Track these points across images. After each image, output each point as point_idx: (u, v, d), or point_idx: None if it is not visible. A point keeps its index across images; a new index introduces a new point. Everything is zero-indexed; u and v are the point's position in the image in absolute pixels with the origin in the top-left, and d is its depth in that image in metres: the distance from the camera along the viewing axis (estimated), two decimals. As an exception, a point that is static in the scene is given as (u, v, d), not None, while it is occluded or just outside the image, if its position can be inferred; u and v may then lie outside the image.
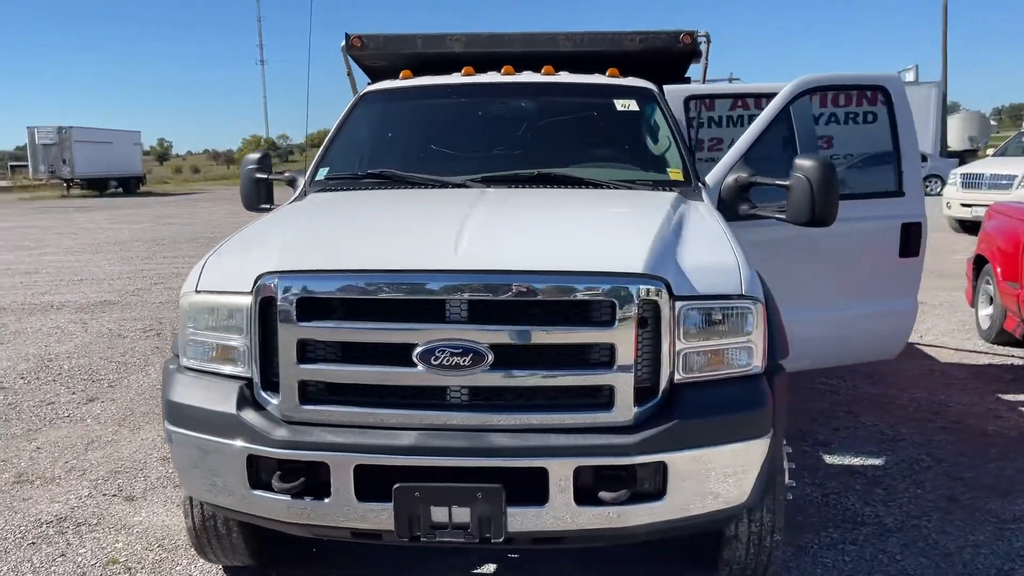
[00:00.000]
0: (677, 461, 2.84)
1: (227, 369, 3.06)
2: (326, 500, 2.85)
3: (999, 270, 7.63)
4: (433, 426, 2.85)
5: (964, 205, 16.19)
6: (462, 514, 2.80)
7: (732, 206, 4.29)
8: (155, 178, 68.73)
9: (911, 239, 4.77)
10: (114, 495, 4.64)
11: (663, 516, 2.87)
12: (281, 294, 2.86)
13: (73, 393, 6.72)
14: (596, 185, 4.07)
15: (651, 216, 3.37)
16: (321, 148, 4.65)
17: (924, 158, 31.57)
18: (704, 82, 6.85)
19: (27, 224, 26.30)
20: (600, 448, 2.79)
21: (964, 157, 32.47)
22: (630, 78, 5.02)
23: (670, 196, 3.87)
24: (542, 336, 2.81)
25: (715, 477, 2.90)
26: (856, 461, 5.00)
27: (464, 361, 2.78)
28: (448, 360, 2.78)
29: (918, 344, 7.98)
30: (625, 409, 2.84)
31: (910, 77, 34.96)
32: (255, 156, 4.67)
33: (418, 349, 2.79)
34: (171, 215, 28.98)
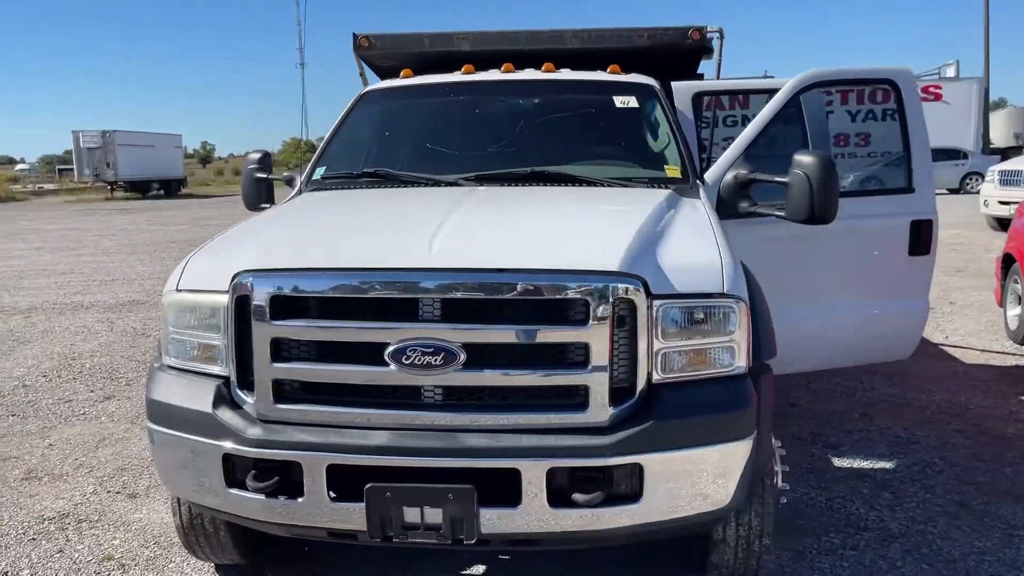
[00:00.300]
0: (654, 463, 2.78)
1: (206, 368, 3.07)
2: (299, 500, 2.84)
3: (1028, 269, 7.42)
4: (406, 426, 2.83)
5: (1002, 203, 15.79)
6: (434, 515, 2.77)
7: (732, 204, 4.22)
8: (197, 180, 69.90)
9: (921, 237, 4.63)
10: (118, 492, 4.69)
11: (640, 519, 2.82)
12: (255, 292, 2.85)
13: (91, 391, 6.82)
14: (590, 183, 4.01)
15: (636, 214, 3.31)
16: (320, 148, 4.66)
17: (965, 155, 31.01)
18: (719, 78, 6.76)
19: (70, 226, 26.86)
20: (573, 449, 2.74)
21: (1007, 154, 31.70)
22: (631, 74, 4.95)
23: (663, 194, 3.81)
24: (515, 335, 2.77)
25: (694, 479, 2.84)
26: (866, 464, 4.88)
27: (436, 360, 2.75)
28: (419, 359, 2.75)
29: (943, 345, 7.80)
30: (600, 409, 2.79)
31: (951, 73, 34.27)
32: (256, 156, 4.69)
33: (390, 348, 2.77)
34: (209, 217, 29.38)
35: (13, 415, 6.22)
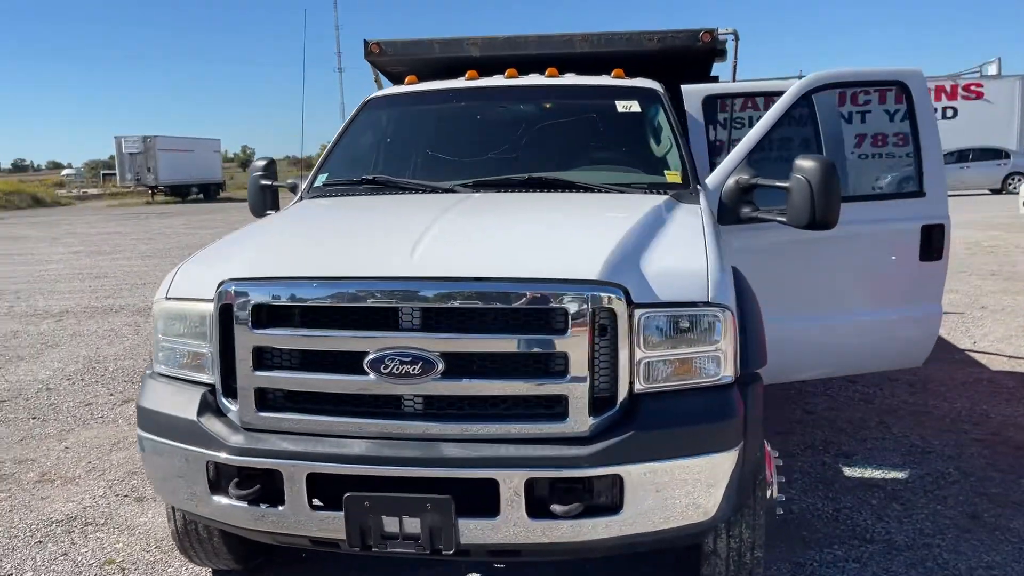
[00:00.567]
0: (634, 474, 2.74)
1: (195, 376, 3.09)
2: (280, 508, 2.85)
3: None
4: (385, 435, 2.82)
5: (1042, 204, 15.41)
6: (413, 524, 2.77)
7: (734, 209, 4.15)
8: (236, 184, 70.71)
9: (933, 242, 4.52)
10: (126, 496, 4.75)
11: (621, 531, 2.78)
12: (237, 301, 2.87)
13: (111, 394, 6.93)
14: (587, 189, 3.98)
15: (625, 221, 3.27)
16: (323, 155, 4.68)
17: (1007, 154, 30.32)
18: (735, 80, 6.68)
19: (110, 230, 27.40)
20: (551, 460, 2.71)
21: (1054, 154, 30.94)
22: (635, 79, 4.90)
23: (659, 200, 3.76)
24: (493, 344, 2.76)
25: (677, 491, 2.79)
26: (877, 474, 4.77)
27: (414, 369, 2.74)
28: (398, 368, 2.74)
29: (970, 351, 7.62)
30: (580, 420, 2.76)
31: (992, 70, 33.56)
32: (261, 163, 4.74)
33: (369, 357, 2.76)
34: (244, 220, 29.27)
35: (34, 418, 6.34)
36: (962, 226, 18.97)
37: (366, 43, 5.94)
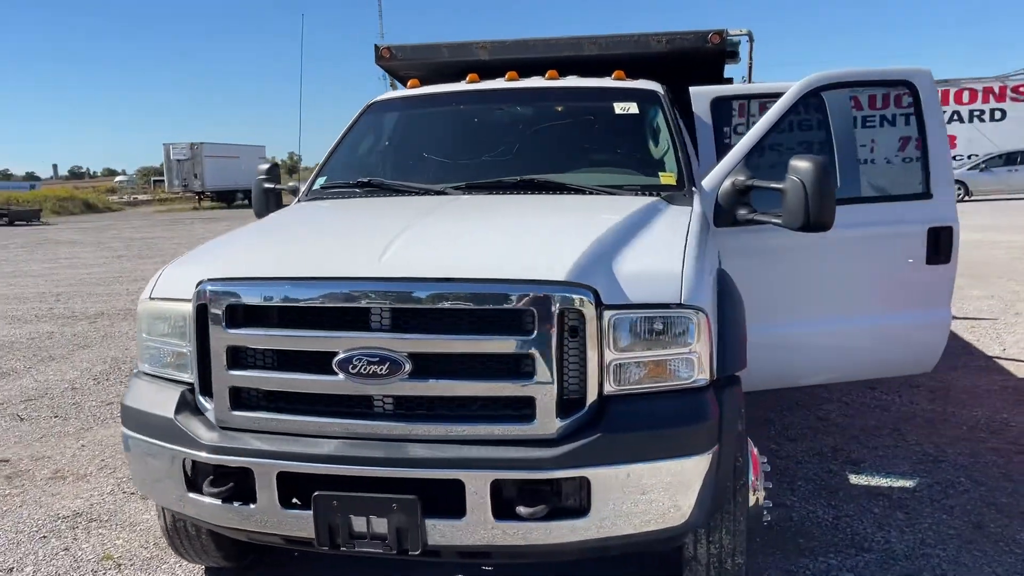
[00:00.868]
0: (601, 477, 2.72)
1: (177, 375, 3.14)
2: (252, 506, 2.88)
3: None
4: (355, 435, 2.84)
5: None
6: (380, 524, 2.78)
7: (730, 211, 4.10)
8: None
9: (940, 245, 4.42)
10: (132, 493, 4.84)
11: (588, 534, 2.75)
12: (212, 301, 2.91)
13: (133, 395, 7.06)
14: (578, 191, 3.97)
15: (606, 222, 3.24)
16: (323, 158, 4.72)
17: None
18: (751, 82, 6.61)
19: (155, 235, 28.02)
20: (516, 461, 2.70)
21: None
22: (637, 80, 4.87)
23: (649, 201, 3.73)
24: (459, 345, 2.76)
25: (646, 495, 2.76)
26: (884, 482, 4.67)
27: (381, 370, 2.75)
28: (365, 368, 2.76)
29: (999, 358, 7.42)
30: (548, 421, 2.74)
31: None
32: (264, 167, 4.81)
33: (337, 357, 2.78)
34: (284, 225, 30.07)
35: (56, 416, 6.50)
36: (1007, 230, 18.51)
37: (377, 48, 6.01)
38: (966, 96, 31.88)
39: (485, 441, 2.77)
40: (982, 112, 31.80)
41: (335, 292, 2.81)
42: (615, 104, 4.52)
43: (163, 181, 57.47)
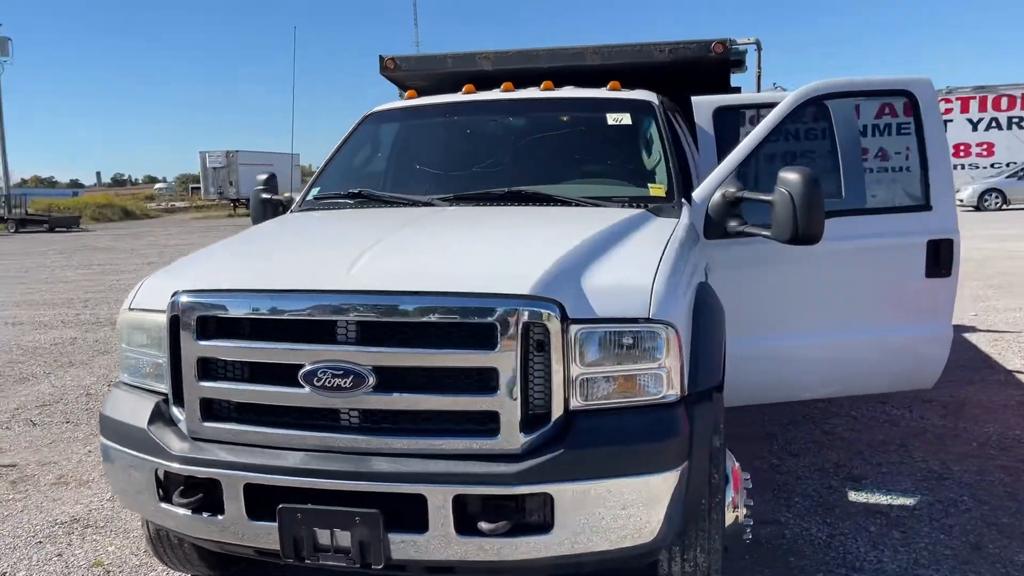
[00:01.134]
0: (563, 493, 2.69)
1: (154, 386, 3.17)
2: (220, 517, 2.89)
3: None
4: (320, 448, 2.84)
5: None
6: (344, 537, 2.77)
7: (721, 223, 4.05)
8: (315, 197, 72.55)
9: (940, 257, 4.32)
10: (130, 500, 4.89)
11: (551, 551, 2.73)
12: (183, 312, 2.94)
13: (145, 401, 7.15)
14: (564, 203, 3.94)
15: (583, 235, 3.22)
16: (319, 168, 4.75)
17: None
18: (759, 91, 6.55)
19: (189, 242, 28.38)
20: (479, 476, 2.69)
21: None
22: (633, 90, 4.83)
23: (633, 213, 3.71)
24: (423, 358, 2.75)
25: (610, 512, 2.72)
26: (883, 500, 4.57)
27: (345, 383, 2.75)
28: (330, 381, 2.76)
29: (1018, 372, 7.24)
30: (512, 436, 2.72)
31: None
32: (263, 177, 4.86)
33: (303, 370, 2.79)
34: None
35: (68, 421, 6.60)
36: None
37: (381, 59, 6.04)
38: (1004, 102, 31.26)
39: (449, 455, 2.76)
40: (1021, 119, 31.13)
41: (301, 304, 2.82)
42: (608, 115, 4.49)
43: (200, 188, 58.41)
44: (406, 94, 5.24)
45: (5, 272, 19.43)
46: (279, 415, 2.91)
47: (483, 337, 2.71)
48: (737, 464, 3.35)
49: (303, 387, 2.80)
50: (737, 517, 3.28)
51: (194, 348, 2.93)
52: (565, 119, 4.67)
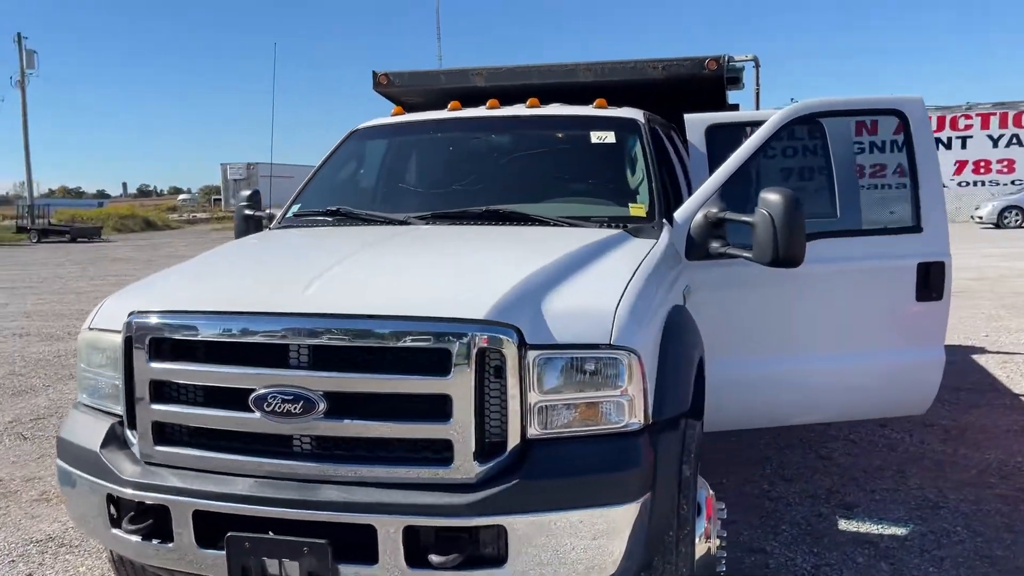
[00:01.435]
0: (518, 525, 2.60)
1: (111, 407, 3.12)
2: (171, 544, 2.82)
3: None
4: (271, 474, 2.77)
5: None
6: (293, 568, 2.69)
7: (703, 244, 3.95)
8: (335, 209, 72.97)
9: (931, 280, 4.19)
10: (109, 518, 4.84)
11: None
12: (136, 334, 2.88)
13: (138, 416, 7.12)
14: (542, 222, 3.86)
15: (549, 256, 3.14)
16: (301, 185, 4.70)
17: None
18: (758, 108, 6.46)
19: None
20: (429, 508, 2.60)
21: None
22: (619, 108, 4.75)
23: (607, 234, 3.62)
24: (375, 384, 2.68)
25: (568, 545, 2.63)
26: (875, 529, 4.43)
27: (295, 408, 2.68)
28: (280, 407, 2.69)
29: (1025, 396, 7.06)
30: (466, 465, 2.64)
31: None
32: (246, 193, 4.81)
33: (254, 394, 2.72)
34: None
35: (59, 436, 6.57)
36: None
37: (375, 75, 6.00)
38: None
39: (402, 484, 2.68)
40: (1015, 137, 30.65)
41: (254, 326, 2.76)
42: (592, 133, 4.41)
43: (221, 200, 58.95)
44: (392, 111, 5.19)
45: (20, 282, 19.61)
46: (231, 440, 2.84)
47: (436, 363, 2.64)
48: (711, 493, 3.24)
49: (254, 412, 2.73)
50: (709, 548, 3.17)
51: (147, 370, 2.87)
52: (549, 136, 4.60)
